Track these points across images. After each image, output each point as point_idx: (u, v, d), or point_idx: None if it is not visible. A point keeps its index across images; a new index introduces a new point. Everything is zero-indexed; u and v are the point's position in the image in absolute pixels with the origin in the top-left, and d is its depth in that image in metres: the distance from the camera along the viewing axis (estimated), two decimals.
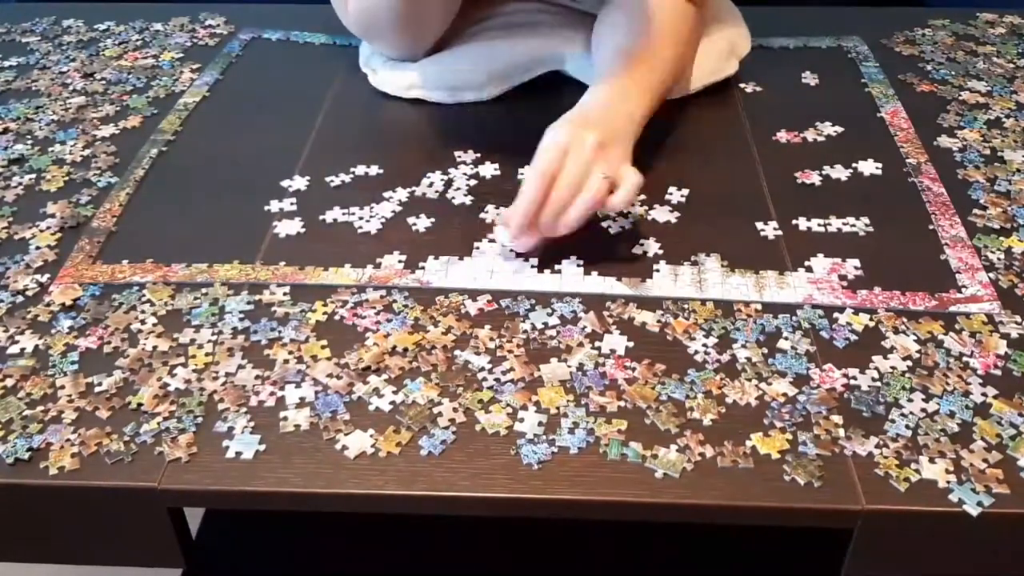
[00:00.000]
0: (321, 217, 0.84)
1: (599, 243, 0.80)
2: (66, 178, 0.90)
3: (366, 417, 0.65)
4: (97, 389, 0.67)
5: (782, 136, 0.95)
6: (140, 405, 0.66)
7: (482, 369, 0.68)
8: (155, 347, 0.70)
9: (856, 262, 0.78)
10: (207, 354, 0.70)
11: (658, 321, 0.72)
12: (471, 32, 1.01)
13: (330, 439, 0.63)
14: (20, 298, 0.76)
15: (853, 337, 0.71)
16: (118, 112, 1.00)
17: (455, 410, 0.65)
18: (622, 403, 0.66)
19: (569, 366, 0.68)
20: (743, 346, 0.70)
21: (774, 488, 0.60)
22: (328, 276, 0.77)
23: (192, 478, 0.61)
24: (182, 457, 0.62)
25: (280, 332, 0.72)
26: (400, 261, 0.78)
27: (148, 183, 0.89)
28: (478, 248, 0.80)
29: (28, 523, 0.64)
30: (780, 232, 0.82)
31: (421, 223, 0.83)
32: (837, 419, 0.64)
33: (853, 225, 0.82)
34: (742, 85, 1.03)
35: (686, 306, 0.74)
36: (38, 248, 0.81)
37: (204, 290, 0.76)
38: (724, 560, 0.92)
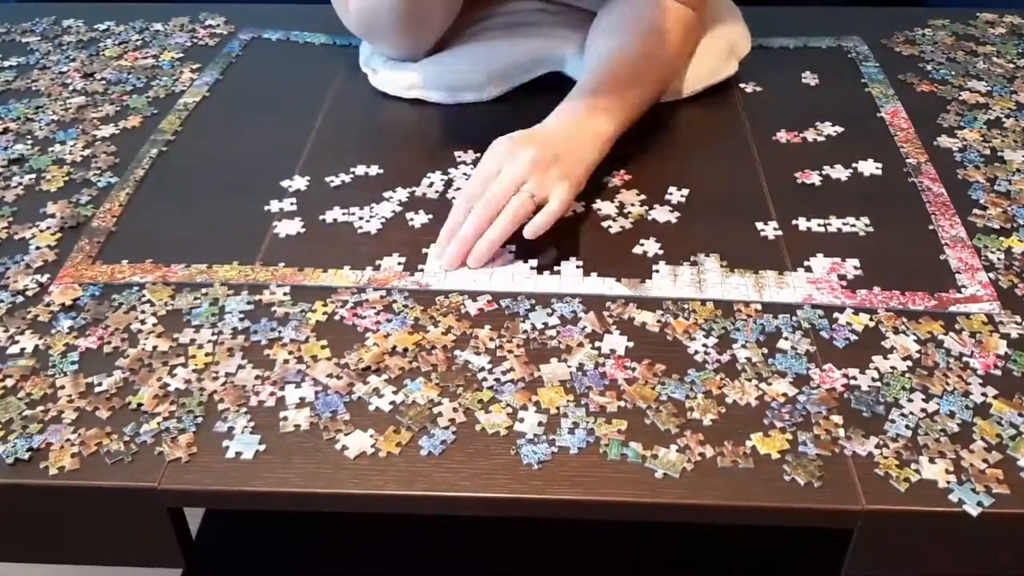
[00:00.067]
0: (321, 217, 0.84)
1: (599, 243, 0.80)
2: (66, 178, 0.90)
3: (366, 417, 0.65)
4: (97, 389, 0.67)
5: (782, 136, 0.95)
6: (140, 405, 0.66)
7: (482, 369, 0.68)
8: (155, 347, 0.70)
9: (856, 262, 0.78)
10: (207, 354, 0.70)
11: (658, 321, 0.72)
12: (471, 32, 1.01)
13: (330, 439, 0.63)
14: (20, 298, 0.76)
15: (853, 337, 0.71)
16: (118, 112, 1.00)
17: (455, 410, 0.65)
18: (622, 403, 0.66)
19: (569, 366, 0.68)
20: (743, 346, 0.70)
21: (774, 488, 0.60)
22: (327, 278, 0.77)
23: (192, 478, 0.61)
24: (182, 457, 0.62)
25: (280, 332, 0.72)
26: (400, 263, 0.78)
27: (148, 183, 0.89)
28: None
29: (28, 523, 0.64)
30: (780, 232, 0.82)
31: (421, 223, 0.83)
32: (837, 419, 0.64)
33: (853, 225, 0.82)
34: (742, 85, 1.03)
35: (686, 306, 0.74)
36: (38, 248, 0.81)
37: (204, 290, 0.76)
38: (724, 560, 0.92)
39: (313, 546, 0.95)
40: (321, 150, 0.94)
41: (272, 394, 0.67)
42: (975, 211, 0.84)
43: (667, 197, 0.86)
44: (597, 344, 0.70)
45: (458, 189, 0.87)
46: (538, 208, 0.75)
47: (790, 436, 0.63)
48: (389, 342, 0.70)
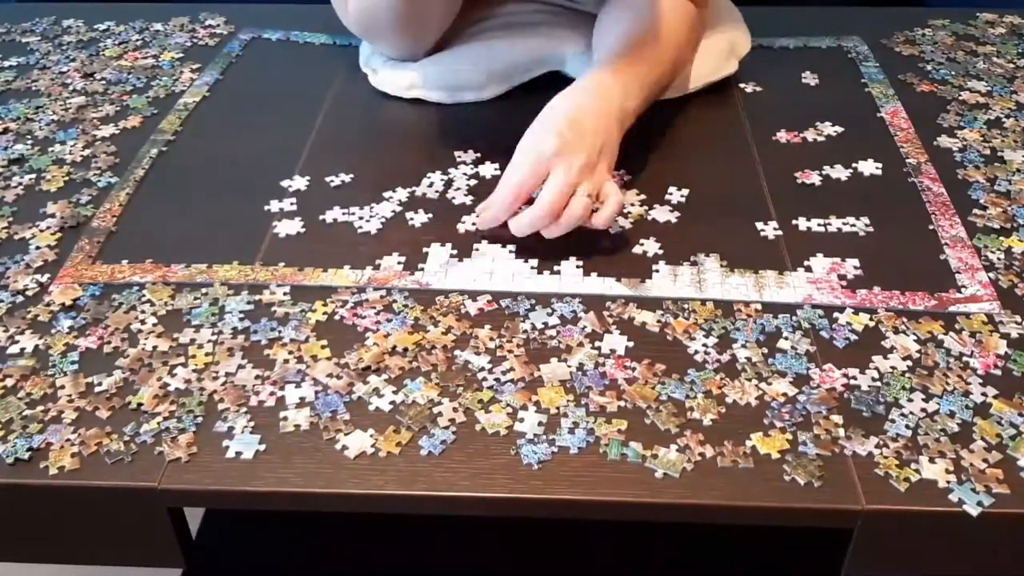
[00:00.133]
0: (321, 217, 0.84)
1: (599, 243, 0.80)
2: (66, 178, 0.90)
3: (366, 417, 0.65)
4: (97, 389, 0.67)
5: (782, 136, 0.95)
6: (140, 405, 0.66)
7: (482, 369, 0.68)
8: (155, 347, 0.70)
9: (856, 262, 0.78)
10: (207, 354, 0.70)
11: (658, 321, 0.72)
12: (471, 32, 1.01)
13: (330, 439, 0.63)
14: (20, 298, 0.76)
15: (853, 337, 0.71)
16: (118, 112, 1.00)
17: (455, 410, 0.65)
18: (622, 403, 0.66)
19: (569, 366, 0.68)
20: (743, 346, 0.70)
21: (774, 488, 0.60)
22: (327, 278, 0.77)
23: (192, 478, 0.61)
24: (182, 457, 0.62)
25: (280, 332, 0.72)
26: (399, 263, 0.78)
27: (148, 183, 0.89)
28: (478, 249, 0.80)
29: (28, 523, 0.64)
30: (780, 232, 0.82)
31: (421, 223, 0.83)
32: (837, 419, 0.64)
33: (853, 225, 0.82)
34: (742, 85, 1.03)
35: (686, 306, 0.74)
36: (38, 248, 0.81)
37: (204, 290, 0.76)
38: (724, 560, 0.92)
39: (313, 546, 0.95)
40: (321, 150, 0.94)
41: (272, 394, 0.67)
42: (975, 211, 0.84)
43: (667, 197, 0.86)
44: (597, 344, 0.70)
45: (458, 189, 0.87)
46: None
47: (790, 436, 0.63)
48: (389, 342, 0.70)
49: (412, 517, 0.67)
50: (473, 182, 0.88)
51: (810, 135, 0.95)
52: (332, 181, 0.89)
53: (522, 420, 0.64)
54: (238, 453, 0.63)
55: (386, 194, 0.87)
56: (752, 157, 0.92)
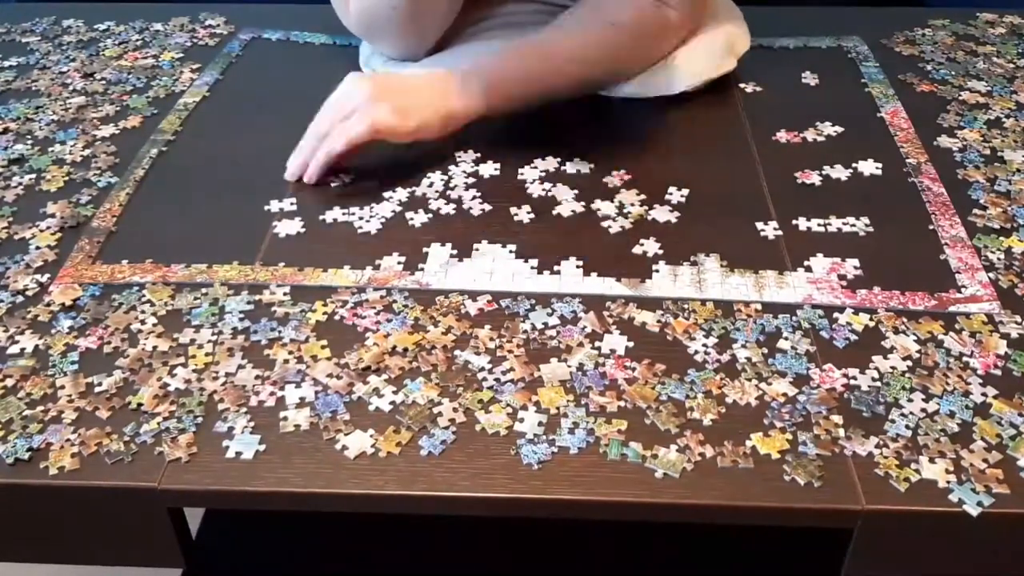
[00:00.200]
0: (321, 217, 0.84)
1: (599, 243, 0.80)
2: (66, 178, 0.90)
3: (366, 417, 0.65)
4: (97, 389, 0.67)
5: (782, 136, 0.95)
6: (140, 405, 0.66)
7: (482, 369, 0.68)
8: (155, 347, 0.70)
9: (856, 262, 0.78)
10: (207, 354, 0.70)
11: (658, 321, 0.72)
12: (471, 32, 1.01)
13: (330, 439, 0.63)
14: (20, 298, 0.76)
15: (853, 337, 0.71)
16: (118, 112, 1.00)
17: (455, 410, 0.65)
18: (622, 403, 0.66)
19: (569, 366, 0.68)
20: (743, 346, 0.70)
21: (774, 488, 0.60)
22: (327, 277, 0.77)
23: (192, 478, 0.61)
24: (182, 457, 0.62)
25: (280, 332, 0.72)
26: (399, 263, 0.78)
27: (148, 183, 0.89)
28: (478, 249, 0.80)
29: (28, 523, 0.64)
30: (780, 232, 0.82)
31: (421, 223, 0.83)
32: (837, 419, 0.64)
33: (853, 225, 0.82)
34: (742, 85, 1.03)
35: (686, 306, 0.74)
36: (38, 248, 0.81)
37: (204, 290, 0.76)
38: (724, 560, 0.92)
39: (313, 546, 0.95)
40: None
41: (272, 394, 0.67)
42: (975, 211, 0.84)
43: (667, 197, 0.86)
44: (597, 344, 0.70)
45: (454, 187, 0.87)
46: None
47: (790, 436, 0.63)
48: (389, 342, 0.70)
49: (412, 517, 0.67)
50: (472, 181, 0.88)
51: (810, 135, 0.95)
52: (332, 181, 0.89)
53: (522, 420, 0.64)
54: (238, 453, 0.63)
55: (386, 194, 0.87)
56: (752, 157, 0.92)
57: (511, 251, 0.79)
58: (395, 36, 0.98)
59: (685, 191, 0.86)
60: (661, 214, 0.84)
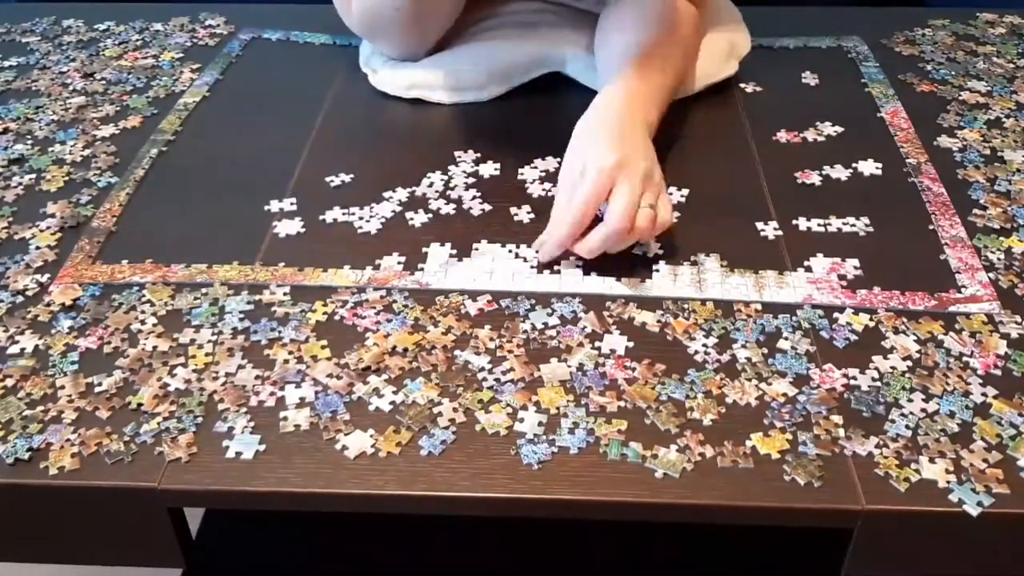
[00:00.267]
0: (321, 217, 0.84)
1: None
2: (66, 178, 0.90)
3: (366, 417, 0.65)
4: (97, 389, 0.67)
5: (782, 136, 0.95)
6: (140, 405, 0.66)
7: (482, 369, 0.68)
8: (155, 347, 0.70)
9: (856, 262, 0.78)
10: (207, 354, 0.70)
11: (658, 321, 0.72)
12: (472, 32, 1.01)
13: (330, 439, 0.63)
14: (20, 298, 0.76)
15: (853, 337, 0.71)
16: (118, 112, 1.00)
17: (455, 410, 0.65)
18: (622, 403, 0.66)
19: (569, 366, 0.68)
20: (743, 346, 0.70)
21: (774, 488, 0.60)
22: (327, 277, 0.77)
23: (192, 478, 0.61)
24: (182, 457, 0.62)
25: (280, 332, 0.72)
26: (399, 262, 0.78)
27: (148, 183, 0.89)
28: (477, 249, 0.80)
29: (28, 523, 0.64)
30: (780, 232, 0.82)
31: (421, 223, 0.83)
32: (837, 419, 0.64)
33: (853, 225, 0.82)
34: (742, 85, 1.03)
35: (686, 306, 0.74)
36: (38, 248, 0.81)
37: (204, 290, 0.76)
38: (724, 560, 0.92)
39: (313, 546, 0.95)
40: (321, 150, 0.94)
41: (272, 394, 0.67)
42: (975, 211, 0.84)
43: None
44: (597, 344, 0.70)
45: (457, 189, 0.87)
46: None
47: (790, 436, 0.63)
48: (389, 342, 0.70)
49: (412, 517, 0.67)
50: (472, 181, 0.88)
51: (810, 135, 0.95)
52: (332, 181, 0.89)
53: (522, 420, 0.64)
54: (238, 453, 0.63)
55: (386, 194, 0.87)
56: (752, 157, 0.92)
57: (511, 251, 0.79)
58: (397, 36, 0.98)
59: (685, 191, 0.86)
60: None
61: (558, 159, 0.90)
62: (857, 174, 0.89)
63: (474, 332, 0.71)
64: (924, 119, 0.97)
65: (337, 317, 0.73)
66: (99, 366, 0.69)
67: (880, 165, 0.90)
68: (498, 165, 0.90)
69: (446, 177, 0.89)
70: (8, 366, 0.69)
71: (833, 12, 1.21)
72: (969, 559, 0.61)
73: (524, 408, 0.65)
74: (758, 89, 1.03)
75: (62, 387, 0.67)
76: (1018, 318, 0.72)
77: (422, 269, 0.78)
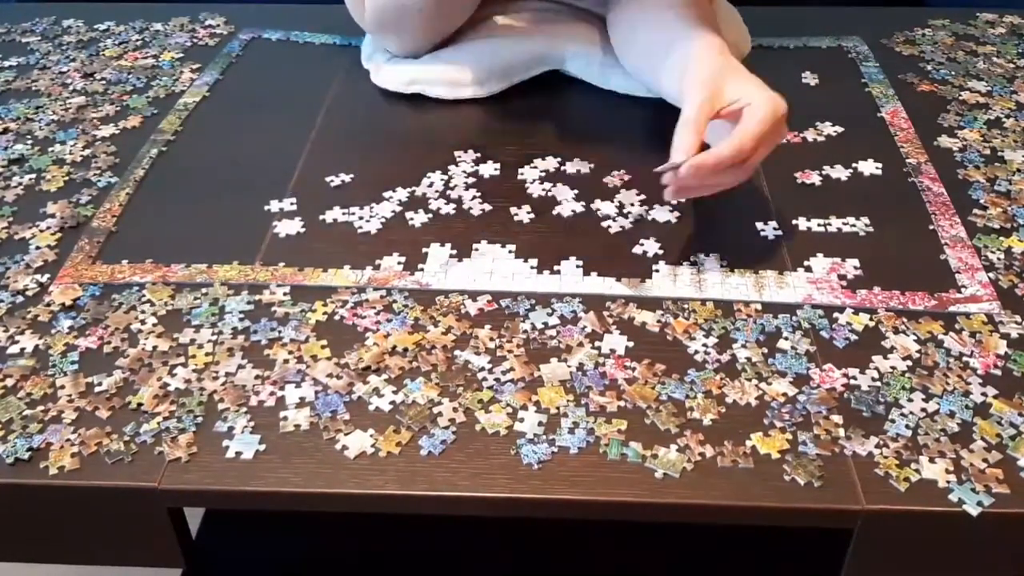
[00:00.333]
0: (321, 217, 0.84)
1: (599, 243, 0.80)
2: (66, 178, 0.90)
3: (366, 417, 0.65)
4: (97, 389, 0.67)
5: None
6: (140, 405, 0.66)
7: (482, 369, 0.68)
8: (155, 347, 0.70)
9: (856, 262, 0.78)
10: (207, 354, 0.70)
11: (658, 321, 0.72)
12: (474, 30, 1.01)
13: (330, 439, 0.63)
14: (20, 298, 0.76)
15: (853, 337, 0.71)
16: (118, 112, 1.00)
17: (455, 410, 0.65)
18: (622, 403, 0.66)
19: (569, 366, 0.68)
20: (743, 346, 0.70)
21: (774, 488, 0.60)
22: (327, 277, 0.77)
23: (192, 478, 0.61)
24: (182, 457, 0.62)
25: (280, 332, 0.72)
26: (399, 262, 0.78)
27: (148, 183, 0.89)
28: (477, 249, 0.80)
29: (28, 523, 0.64)
30: (780, 232, 0.82)
31: (421, 223, 0.83)
32: (837, 419, 0.64)
33: (853, 225, 0.82)
34: None
35: (686, 306, 0.74)
36: (38, 248, 0.81)
37: (204, 290, 0.76)
38: (724, 560, 0.92)
39: (313, 546, 0.95)
40: (321, 150, 0.94)
41: (272, 394, 0.67)
42: (975, 211, 0.84)
43: None
44: (597, 344, 0.70)
45: (457, 189, 0.87)
46: None
47: (790, 436, 0.63)
48: (389, 342, 0.70)
49: (412, 517, 0.67)
50: (472, 180, 0.88)
51: (810, 135, 0.95)
52: (332, 181, 0.89)
53: (522, 420, 0.64)
54: (238, 453, 0.63)
55: (386, 194, 0.87)
56: None
57: (511, 251, 0.79)
58: (410, 34, 0.98)
59: None
60: (661, 214, 0.84)
61: (558, 159, 0.90)
62: (857, 174, 0.89)
63: (474, 332, 0.71)
64: (924, 119, 0.97)
65: (337, 317, 0.73)
66: (99, 366, 0.69)
67: (880, 165, 0.90)
68: (498, 165, 0.90)
69: (446, 177, 0.89)
70: (8, 366, 0.69)
71: (833, 12, 1.21)
72: (969, 559, 0.61)
73: (524, 408, 0.65)
74: None
75: (62, 387, 0.67)
76: (1018, 318, 0.72)
77: (422, 269, 0.78)
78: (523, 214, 0.84)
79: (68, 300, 0.75)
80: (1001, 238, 0.80)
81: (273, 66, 1.10)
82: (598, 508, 0.60)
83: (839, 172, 0.89)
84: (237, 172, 0.91)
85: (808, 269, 0.77)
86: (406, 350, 0.70)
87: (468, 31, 1.01)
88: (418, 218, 0.84)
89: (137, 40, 1.15)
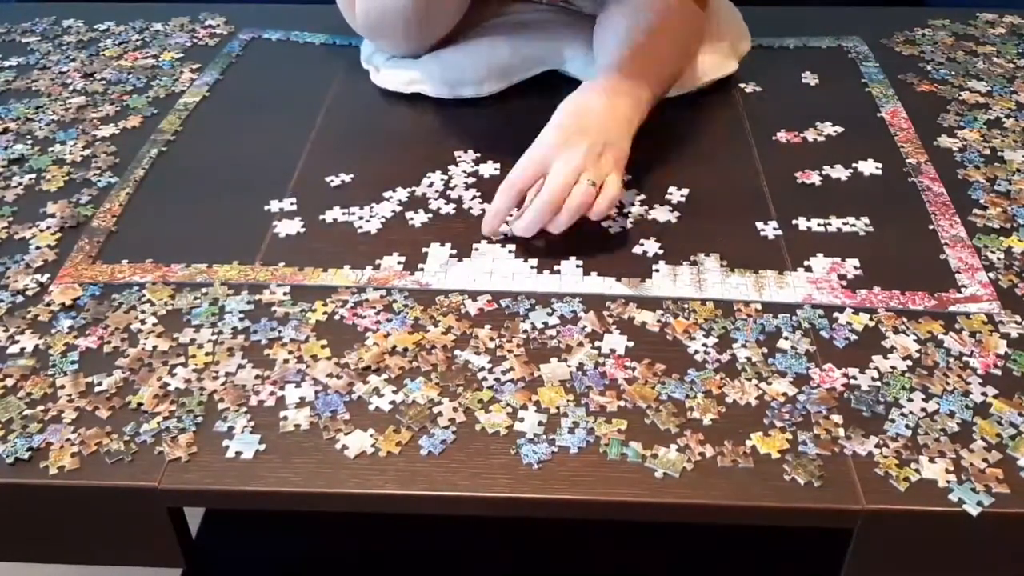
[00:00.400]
0: (321, 217, 0.84)
1: (599, 243, 0.80)
2: (66, 178, 0.90)
3: (366, 417, 0.65)
4: (97, 389, 0.67)
5: (782, 136, 0.95)
6: (140, 405, 0.66)
7: (482, 369, 0.68)
8: (155, 347, 0.70)
9: (856, 262, 0.78)
10: (207, 354, 0.70)
11: (658, 321, 0.72)
12: (473, 31, 1.01)
13: (330, 439, 0.63)
14: (20, 298, 0.76)
15: (853, 337, 0.71)
16: (118, 112, 1.00)
17: (455, 410, 0.65)
18: (622, 403, 0.66)
19: (569, 366, 0.68)
20: (743, 346, 0.70)
21: (774, 488, 0.60)
22: (327, 277, 0.77)
23: (192, 478, 0.61)
24: (182, 457, 0.62)
25: (280, 332, 0.72)
26: (400, 263, 0.78)
27: (148, 183, 0.89)
28: (477, 249, 0.80)
29: (28, 523, 0.64)
30: (780, 232, 0.82)
31: (421, 223, 0.83)
32: (837, 419, 0.64)
33: (853, 225, 0.82)
34: (742, 85, 1.03)
35: (686, 306, 0.74)
36: (38, 248, 0.81)
37: (204, 290, 0.76)
38: (724, 560, 0.92)
39: (313, 546, 0.95)
40: (321, 150, 0.94)
41: (272, 394, 0.67)
42: (975, 211, 0.84)
43: (667, 197, 0.86)
44: (597, 344, 0.70)
45: (457, 188, 0.87)
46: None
47: (790, 436, 0.63)
48: (389, 342, 0.70)
49: (412, 517, 0.67)
50: (472, 180, 0.88)
51: (810, 135, 0.95)
52: (332, 181, 0.89)
53: (522, 420, 0.64)
54: (238, 453, 0.63)
55: (386, 194, 0.87)
56: (752, 157, 0.92)
57: (511, 251, 0.79)
58: (401, 36, 0.98)
59: (685, 191, 0.86)
60: (661, 214, 0.84)
61: None
62: (857, 174, 0.89)
63: (474, 332, 0.71)
64: (924, 119, 0.97)
65: (337, 317, 0.73)
66: (99, 366, 0.69)
67: (880, 165, 0.90)
68: (498, 165, 0.90)
69: (446, 177, 0.89)
70: (8, 366, 0.69)
71: (833, 12, 1.21)
72: (969, 559, 0.61)
73: (524, 408, 0.65)
74: (758, 89, 1.03)
75: (62, 387, 0.67)
76: (1018, 318, 0.72)
77: (422, 269, 0.78)
78: None
79: (68, 300, 0.75)
80: (1001, 238, 0.80)
81: (273, 66, 1.10)
82: (598, 508, 0.60)
83: (839, 172, 0.89)
84: (237, 172, 0.91)
85: (808, 269, 0.77)
86: (406, 350, 0.70)
87: (467, 31, 1.01)
88: (418, 218, 0.84)
89: (137, 40, 1.15)
